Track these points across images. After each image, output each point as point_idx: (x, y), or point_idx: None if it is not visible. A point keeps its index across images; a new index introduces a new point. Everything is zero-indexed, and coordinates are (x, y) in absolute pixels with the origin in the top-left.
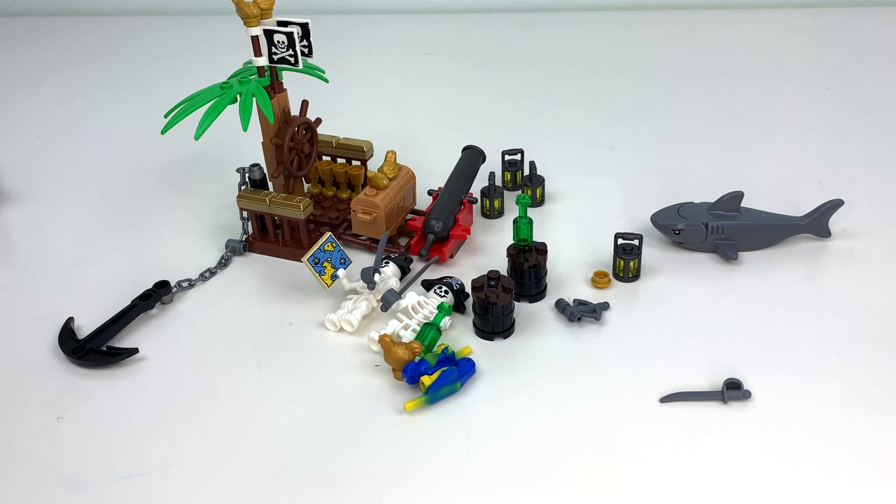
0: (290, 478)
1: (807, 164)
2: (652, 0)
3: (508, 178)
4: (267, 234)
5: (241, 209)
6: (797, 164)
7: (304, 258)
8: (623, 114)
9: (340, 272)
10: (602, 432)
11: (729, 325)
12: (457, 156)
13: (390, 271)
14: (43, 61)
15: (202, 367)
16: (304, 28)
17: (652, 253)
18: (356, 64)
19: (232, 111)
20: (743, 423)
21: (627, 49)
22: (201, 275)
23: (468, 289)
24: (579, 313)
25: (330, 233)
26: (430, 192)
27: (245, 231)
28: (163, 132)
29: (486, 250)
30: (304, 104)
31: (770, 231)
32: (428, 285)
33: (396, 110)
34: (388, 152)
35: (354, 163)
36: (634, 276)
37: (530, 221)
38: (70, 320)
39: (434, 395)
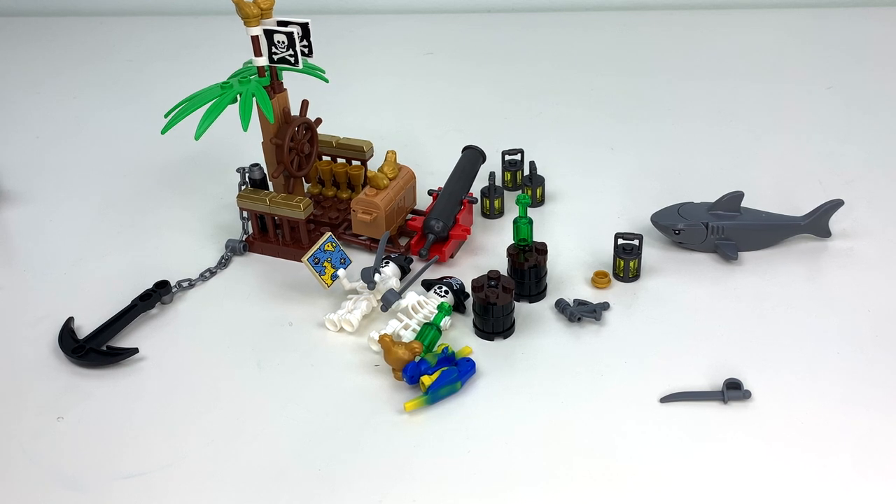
0: (290, 478)
1: (807, 164)
2: (652, 0)
3: (508, 178)
4: (267, 234)
5: (241, 209)
6: (797, 164)
7: (304, 258)
8: (623, 114)
9: (340, 272)
10: (602, 432)
11: (729, 325)
12: (457, 156)
13: (390, 271)
14: (43, 61)
15: (202, 367)
16: (304, 28)
17: (652, 253)
18: (356, 64)
19: (232, 111)
20: (743, 423)
21: (627, 49)
22: (201, 275)
23: (468, 289)
24: (579, 313)
25: (330, 233)
26: (430, 192)
27: (245, 231)
28: (163, 132)
29: (486, 250)
30: (304, 104)
31: (770, 231)
32: (428, 285)
33: (396, 110)
34: (388, 152)
35: (354, 163)
36: (634, 276)
37: (530, 221)
38: (70, 320)
39: (434, 395)
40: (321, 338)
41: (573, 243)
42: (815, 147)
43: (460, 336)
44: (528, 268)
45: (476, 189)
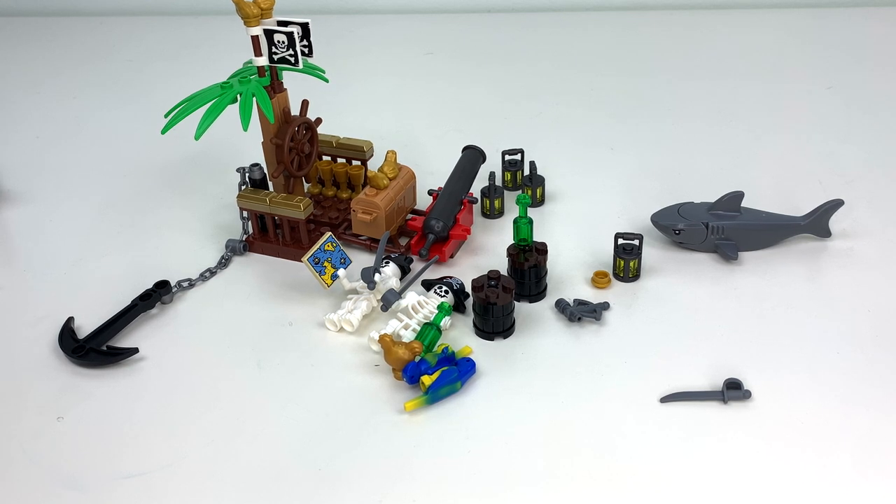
0: (290, 478)
1: (807, 164)
2: (652, 0)
3: (508, 178)
4: (267, 234)
5: (242, 209)
6: (797, 164)
7: (305, 258)
8: (623, 114)
9: (340, 272)
10: (602, 432)
11: (729, 325)
12: (457, 156)
13: (390, 271)
14: (43, 61)
15: (202, 367)
16: (305, 28)
17: (652, 253)
18: (356, 64)
19: (232, 111)
20: (743, 423)
21: (627, 49)
22: (201, 275)
23: (468, 289)
24: (579, 313)
25: (330, 233)
26: (430, 192)
27: (245, 231)
28: (163, 132)
29: (487, 250)
30: (305, 104)
31: (770, 231)
32: (428, 285)
33: (396, 110)
34: (388, 152)
35: (354, 163)
36: (634, 276)
37: (530, 221)
38: (70, 320)
39: (434, 395)
40: (321, 338)
41: (573, 243)
42: (815, 147)
43: (460, 336)
44: (528, 268)
45: (476, 189)
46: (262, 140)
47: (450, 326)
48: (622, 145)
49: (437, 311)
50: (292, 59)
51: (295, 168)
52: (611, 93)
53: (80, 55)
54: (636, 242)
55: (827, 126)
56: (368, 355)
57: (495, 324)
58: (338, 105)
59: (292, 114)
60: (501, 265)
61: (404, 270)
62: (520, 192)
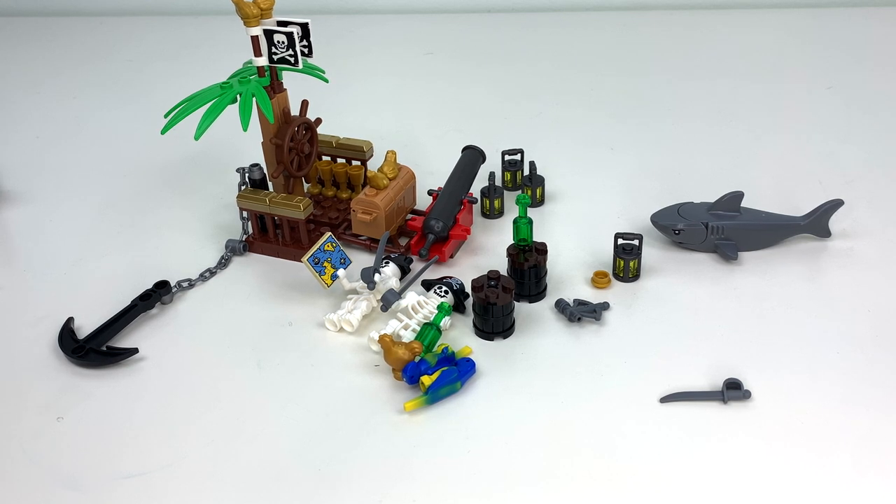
0: (290, 478)
1: (807, 164)
2: (652, 0)
3: (508, 178)
4: (267, 234)
5: (241, 209)
6: (797, 164)
7: (304, 258)
8: (623, 114)
9: (340, 272)
10: (602, 432)
11: (729, 325)
12: (457, 156)
13: (390, 271)
14: (43, 61)
15: (202, 367)
16: (304, 28)
17: (652, 253)
18: (356, 64)
19: (232, 111)
20: (743, 423)
21: (627, 49)
22: (201, 275)
23: (468, 289)
24: (579, 313)
25: (330, 233)
26: (430, 192)
27: (245, 231)
28: (163, 132)
29: (486, 250)
30: (304, 104)
31: (770, 231)
32: (428, 285)
33: (396, 110)
34: (388, 152)
35: (354, 163)
36: (634, 276)
37: (530, 221)
38: (70, 320)
39: (434, 395)
40: (321, 338)
41: (573, 243)
42: (815, 147)
43: (460, 336)
44: (528, 268)
45: (476, 189)
46: (262, 140)
47: (450, 326)
48: (622, 145)
49: (436, 312)
50: (292, 60)
51: (295, 168)
52: (611, 93)
53: (80, 55)
54: (636, 242)
55: (827, 126)
56: (368, 355)
57: (495, 324)
58: (338, 105)
59: (292, 114)
60: (501, 265)
61: (404, 270)
62: (520, 192)
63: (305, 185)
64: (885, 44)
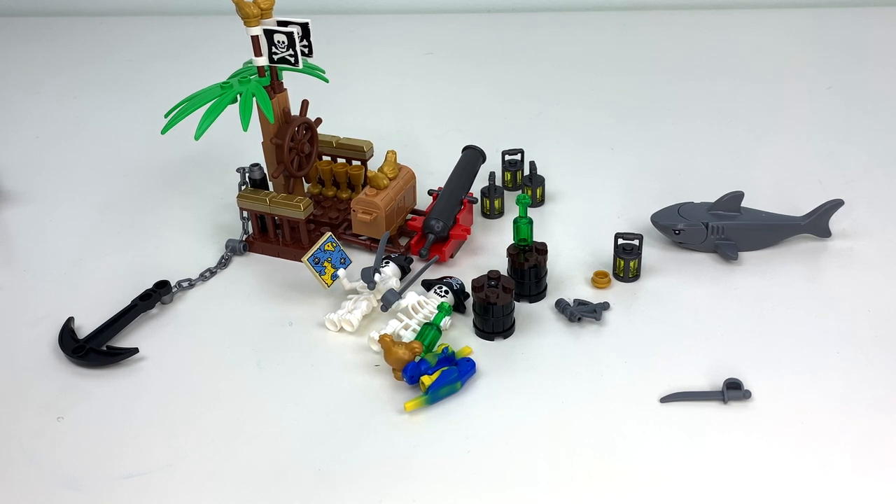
0: (290, 478)
1: (807, 164)
2: (652, 0)
3: (508, 178)
4: (267, 234)
5: (242, 209)
6: (797, 164)
7: (305, 258)
8: (623, 114)
9: (340, 272)
10: (602, 432)
11: (729, 325)
12: (457, 156)
13: (390, 271)
14: (43, 61)
15: (202, 367)
16: (305, 28)
17: (652, 253)
18: (356, 64)
19: (232, 111)
20: (743, 423)
21: (627, 49)
22: (201, 275)
23: (468, 289)
24: (579, 313)
25: (330, 233)
26: (430, 192)
27: (245, 231)
28: (163, 132)
29: (487, 250)
30: (305, 104)
31: (770, 231)
32: (428, 285)
33: (396, 110)
34: (388, 152)
35: (354, 163)
36: (634, 276)
37: (530, 221)
38: (70, 320)
39: (434, 395)
40: (321, 338)
41: (573, 243)
42: (815, 147)
43: (460, 336)
44: (528, 268)
45: (476, 189)
46: (262, 140)
47: (450, 326)
48: (622, 145)
49: (437, 311)
50: (292, 59)
51: (295, 168)
52: (611, 93)
53: (80, 55)
54: (636, 242)
55: (827, 126)
56: (368, 355)
57: (495, 324)
58: (338, 105)
59: (292, 114)
60: (501, 265)
61: (404, 270)
62: (520, 192)
63: (306, 185)
64: (885, 44)
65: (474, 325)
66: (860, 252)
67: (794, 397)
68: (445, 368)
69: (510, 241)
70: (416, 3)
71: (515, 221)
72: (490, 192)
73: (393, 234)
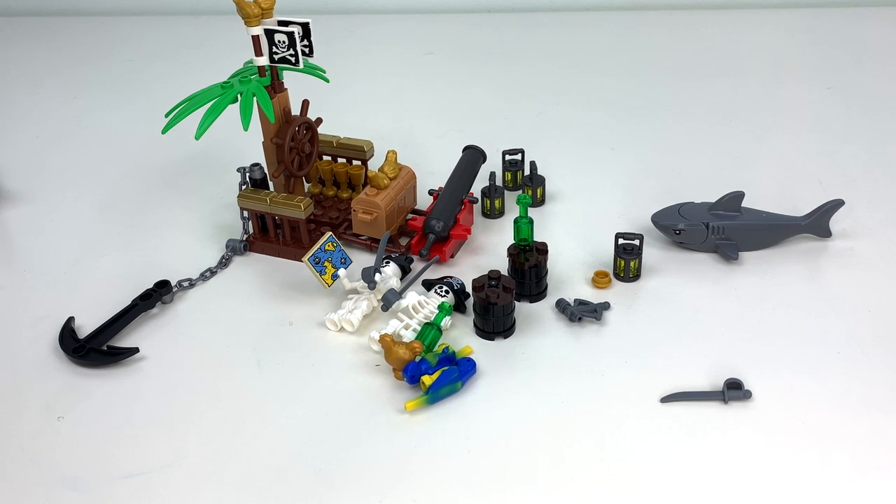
0: (290, 478)
1: (807, 164)
2: (652, 0)
3: (509, 177)
4: (267, 234)
5: (242, 209)
6: (797, 164)
7: (305, 258)
8: (623, 114)
9: (341, 272)
10: (602, 432)
11: (729, 325)
12: (457, 156)
13: (391, 271)
14: (43, 61)
15: (202, 367)
16: (305, 28)
17: (652, 253)
18: (356, 64)
19: (232, 111)
20: (743, 423)
21: (627, 49)
22: (202, 274)
23: (469, 289)
24: (580, 313)
25: (330, 232)
26: (430, 192)
27: (245, 231)
28: (163, 132)
29: (487, 250)
30: (305, 104)
31: (770, 231)
32: (428, 285)
33: (396, 110)
34: (388, 152)
35: (355, 162)
36: (635, 276)
37: (531, 221)
38: (70, 320)
39: (434, 395)
40: (321, 338)
41: (573, 243)
42: (815, 147)
43: (461, 336)
44: (528, 268)
45: (476, 189)
46: (263, 140)
47: (450, 326)
48: (622, 145)
49: (437, 311)
50: (293, 59)
51: (295, 168)
52: (611, 93)
53: (80, 55)
54: (636, 242)
55: (827, 126)
56: (369, 355)
57: (496, 324)
58: (338, 105)
59: (293, 114)
60: (502, 265)
61: (405, 270)
62: (520, 192)
63: (306, 185)
64: (885, 44)
65: (475, 325)
66: (860, 252)
67: (795, 397)
68: (446, 368)
69: (510, 241)
70: (416, 3)
71: (516, 221)
72: (490, 191)
73: (393, 233)
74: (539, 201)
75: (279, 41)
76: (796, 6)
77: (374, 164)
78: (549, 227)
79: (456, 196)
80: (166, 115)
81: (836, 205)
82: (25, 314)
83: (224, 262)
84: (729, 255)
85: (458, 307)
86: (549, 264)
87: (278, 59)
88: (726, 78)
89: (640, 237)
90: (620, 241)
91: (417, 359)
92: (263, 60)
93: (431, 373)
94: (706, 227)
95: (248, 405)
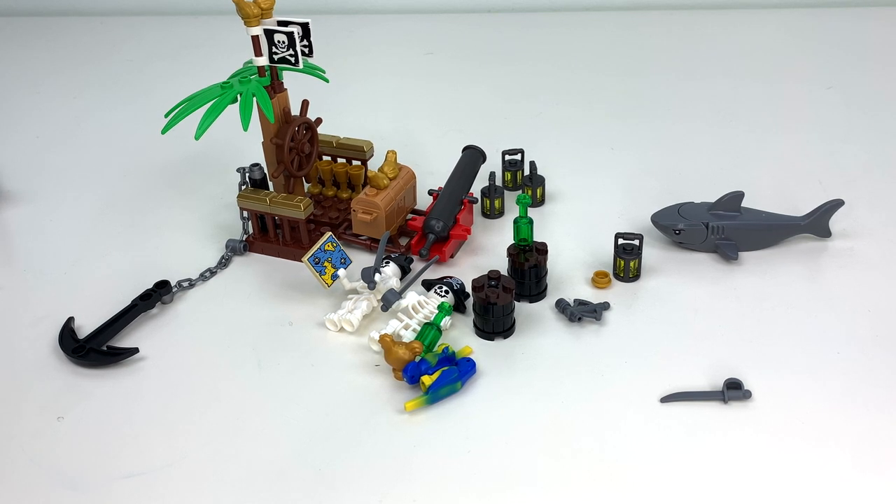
0: (290, 478)
1: (807, 164)
2: (652, 0)
3: (509, 178)
4: (267, 234)
5: (242, 209)
6: (797, 164)
7: (305, 258)
8: (623, 114)
9: (341, 272)
10: (602, 432)
11: (729, 325)
12: (457, 156)
13: (390, 271)
14: (43, 61)
15: (202, 367)
16: (305, 28)
17: (652, 253)
18: (356, 64)
19: (232, 111)
20: (743, 423)
21: (627, 49)
22: (201, 275)
23: (468, 289)
24: (580, 313)
25: (330, 232)
26: (430, 192)
27: (245, 231)
28: (163, 132)
29: (487, 250)
30: (305, 104)
31: (770, 231)
32: (428, 285)
33: (396, 110)
34: (388, 152)
35: (355, 163)
36: (635, 276)
37: (530, 221)
38: (70, 320)
39: (434, 395)
40: (321, 338)
41: (573, 243)
42: (815, 147)
43: (460, 336)
44: (528, 268)
45: (476, 189)
46: (263, 140)
47: (450, 326)
48: (622, 145)
49: (437, 311)
50: (292, 59)
51: (295, 168)
52: (611, 93)
53: (80, 55)
54: (636, 242)
55: (827, 126)
56: (368, 355)
57: (495, 324)
58: (338, 105)
59: (292, 114)
60: (501, 265)
61: (404, 270)
62: (520, 192)
63: (306, 185)
64: (885, 44)
65: (474, 325)
66: (860, 252)
67: (795, 397)
68: (445, 368)
69: (510, 241)
70: (416, 3)
71: (515, 221)
72: (490, 192)
73: (393, 233)
74: (539, 201)
75: (279, 41)
76: (796, 6)
77: (373, 165)
78: (548, 227)
79: (456, 196)
80: (166, 116)
81: (836, 205)
82: (25, 314)
83: (224, 263)
84: (729, 255)
85: (458, 307)
86: (549, 264)
87: (278, 59)
88: (726, 78)
89: (640, 237)
90: (620, 241)
91: (417, 359)
92: (263, 60)
93: (431, 373)
94: (706, 227)
95: (248, 405)
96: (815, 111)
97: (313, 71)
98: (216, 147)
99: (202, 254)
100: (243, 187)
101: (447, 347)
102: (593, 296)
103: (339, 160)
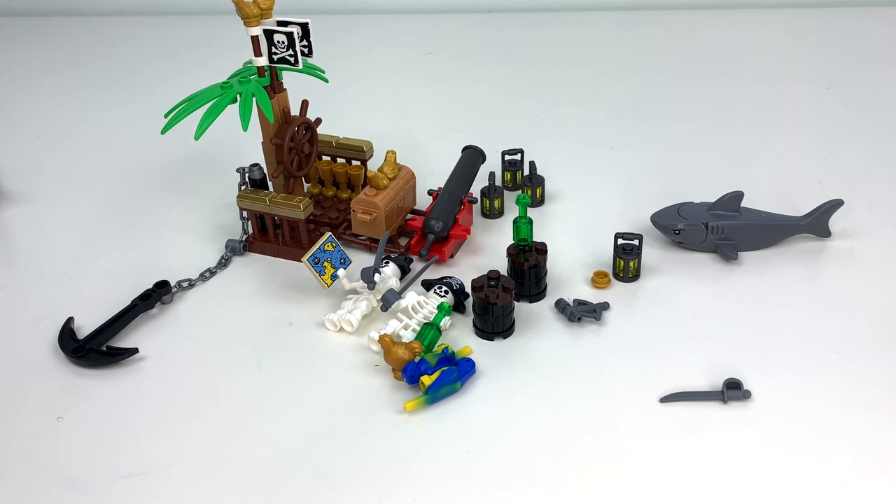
0: (290, 478)
1: (807, 164)
2: (652, 0)
3: (508, 178)
4: (267, 234)
5: (241, 209)
6: (797, 164)
7: (304, 258)
8: (623, 114)
9: (340, 272)
10: (602, 432)
11: (729, 325)
12: (457, 156)
13: (390, 271)
14: (43, 61)
15: (202, 367)
16: (304, 28)
17: (652, 253)
18: (356, 64)
19: (232, 111)
20: (743, 423)
21: (627, 49)
22: (201, 275)
23: (468, 289)
24: (579, 313)
25: (330, 233)
26: (430, 192)
27: (245, 231)
28: (163, 132)
29: (486, 250)
30: (304, 104)
31: (770, 231)
32: (428, 285)
33: (396, 110)
34: (388, 152)
35: (354, 163)
36: (634, 276)
37: (530, 221)
38: (70, 320)
39: (434, 395)
40: (321, 338)
41: (573, 243)
42: (815, 147)
43: (460, 336)
44: (528, 268)
45: (476, 189)
46: (262, 140)
47: (450, 326)
48: (622, 145)
49: (436, 311)
50: (292, 60)
51: (295, 168)
52: (611, 93)
53: (80, 55)
54: (636, 242)
55: (827, 126)
56: (368, 355)
57: (495, 324)
58: (338, 105)
59: (292, 114)
60: (501, 265)
61: (404, 270)
62: (520, 192)
63: (305, 185)
64: (885, 44)
65: (474, 325)
66: (860, 252)
67: (794, 397)
68: (445, 368)
69: (510, 241)
70: (416, 3)
71: (515, 221)
72: (490, 192)
73: (393, 234)
74: (539, 201)
75: (278, 41)
76: (796, 6)
77: (373, 165)
78: (548, 227)
79: (455, 196)
80: (166, 116)
81: (836, 205)
82: (25, 314)
83: (223, 263)
84: (728, 255)
85: (458, 307)
86: (549, 264)
87: (277, 59)
88: (726, 78)
89: (640, 237)
90: (620, 241)
91: (417, 359)
92: (263, 61)
93: (431, 373)
94: (706, 227)
95: (248, 405)
96: (815, 111)
97: (313, 71)
98: (216, 147)
99: (202, 254)
100: (243, 187)
101: (447, 347)
102: (593, 296)
103: (339, 160)
